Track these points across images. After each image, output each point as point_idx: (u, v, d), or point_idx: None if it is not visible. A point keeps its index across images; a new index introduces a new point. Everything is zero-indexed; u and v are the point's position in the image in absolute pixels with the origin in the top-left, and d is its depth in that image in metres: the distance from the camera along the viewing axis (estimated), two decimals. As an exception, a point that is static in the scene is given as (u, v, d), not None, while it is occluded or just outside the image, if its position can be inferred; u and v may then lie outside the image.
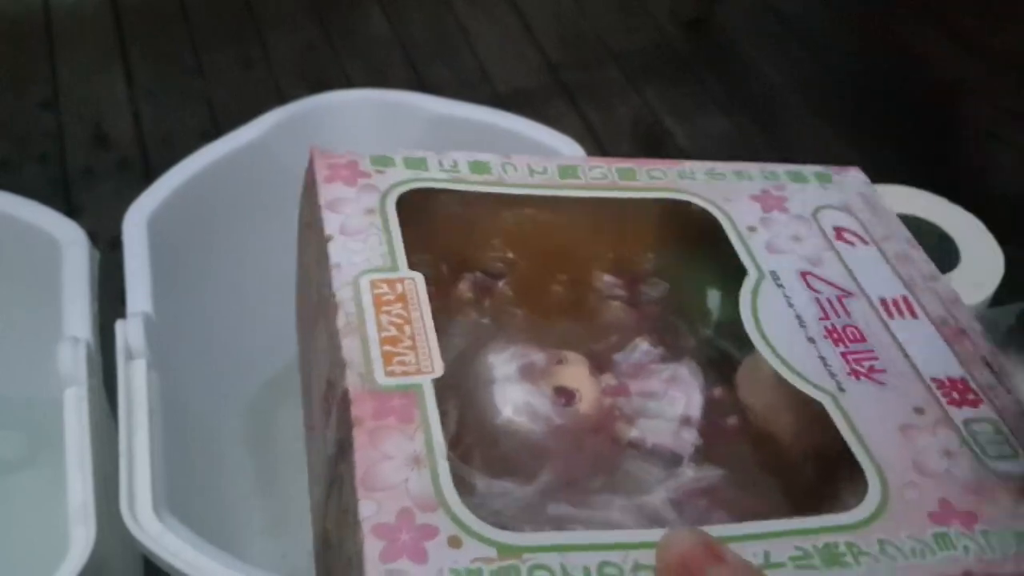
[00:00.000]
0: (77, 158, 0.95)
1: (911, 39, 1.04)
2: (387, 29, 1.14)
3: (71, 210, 0.87)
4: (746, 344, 0.33)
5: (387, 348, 0.28)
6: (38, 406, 0.54)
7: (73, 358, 0.50)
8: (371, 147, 0.70)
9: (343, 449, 0.27)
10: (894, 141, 0.98)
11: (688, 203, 0.37)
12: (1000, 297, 0.61)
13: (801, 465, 0.31)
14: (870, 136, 0.99)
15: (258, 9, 1.16)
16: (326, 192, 0.33)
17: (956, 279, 0.61)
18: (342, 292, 0.30)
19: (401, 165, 0.35)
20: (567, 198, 0.36)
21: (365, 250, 0.31)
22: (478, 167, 0.36)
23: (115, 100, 1.02)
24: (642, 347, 0.34)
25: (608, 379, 0.32)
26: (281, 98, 0.71)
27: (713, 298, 0.36)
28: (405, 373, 0.28)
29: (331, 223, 0.32)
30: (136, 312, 0.52)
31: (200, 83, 1.05)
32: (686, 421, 0.31)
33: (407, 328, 0.29)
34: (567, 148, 0.65)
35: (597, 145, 0.99)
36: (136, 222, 0.57)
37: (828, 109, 1.04)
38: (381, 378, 0.28)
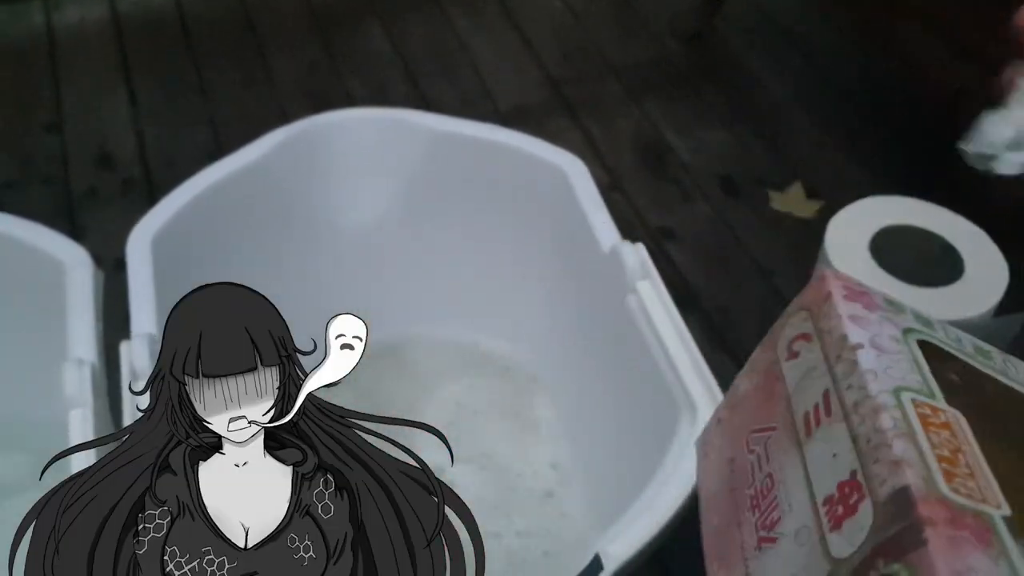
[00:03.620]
0: (81, 180, 0.95)
1: (912, 50, 1.04)
2: (388, 47, 1.15)
3: (75, 231, 0.88)
4: None
5: (944, 466, 0.27)
6: (43, 428, 0.54)
7: (78, 380, 0.50)
8: (374, 165, 0.70)
9: (900, 543, 0.25)
10: (896, 152, 0.98)
11: None
12: (1005, 307, 0.61)
13: None
14: (872, 147, 0.99)
15: (260, 28, 1.16)
16: (846, 307, 0.34)
17: (960, 290, 0.61)
18: (881, 397, 0.30)
19: (910, 314, 0.36)
20: None
21: (897, 370, 0.31)
22: (982, 352, 0.36)
23: (119, 121, 1.03)
24: None
25: None
26: (284, 116, 0.72)
27: None
28: (970, 497, 0.27)
29: (856, 334, 0.33)
30: (141, 333, 0.52)
31: (203, 102, 1.05)
32: None
33: (960, 456, 0.28)
34: (569, 164, 0.66)
35: (599, 160, 0.99)
36: (140, 243, 0.58)
37: (830, 121, 1.04)
38: (946, 490, 0.27)
